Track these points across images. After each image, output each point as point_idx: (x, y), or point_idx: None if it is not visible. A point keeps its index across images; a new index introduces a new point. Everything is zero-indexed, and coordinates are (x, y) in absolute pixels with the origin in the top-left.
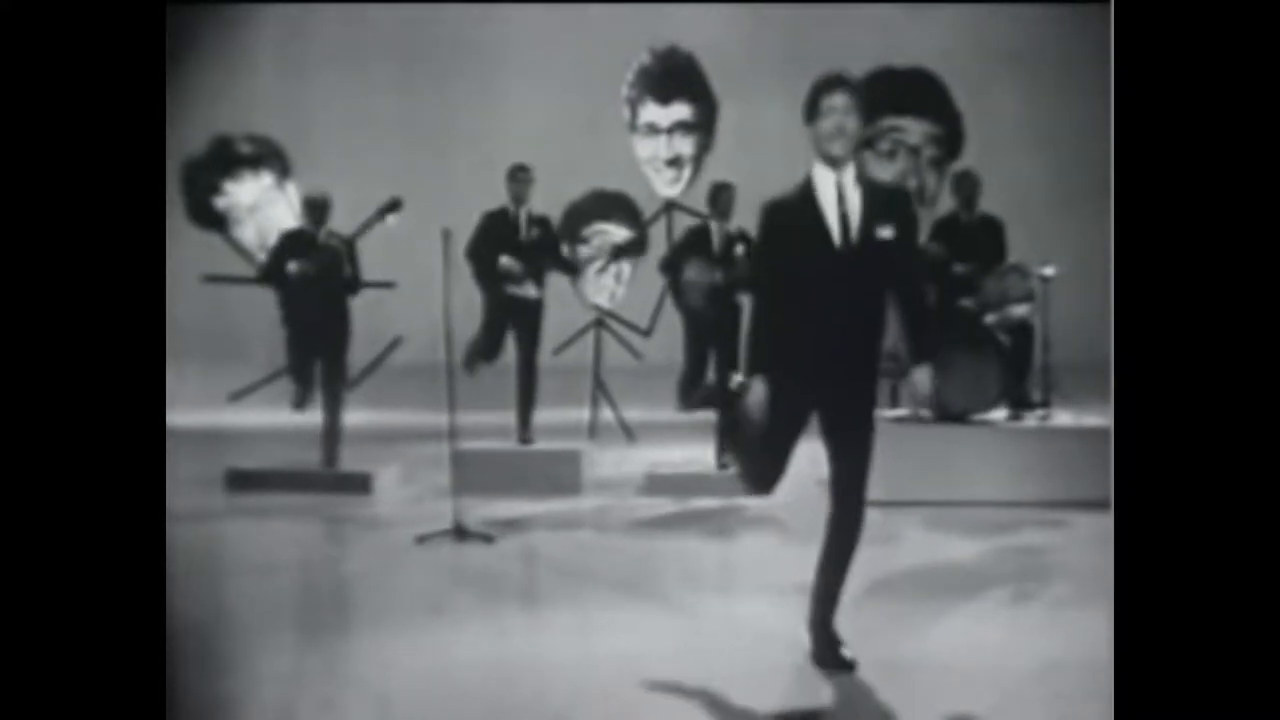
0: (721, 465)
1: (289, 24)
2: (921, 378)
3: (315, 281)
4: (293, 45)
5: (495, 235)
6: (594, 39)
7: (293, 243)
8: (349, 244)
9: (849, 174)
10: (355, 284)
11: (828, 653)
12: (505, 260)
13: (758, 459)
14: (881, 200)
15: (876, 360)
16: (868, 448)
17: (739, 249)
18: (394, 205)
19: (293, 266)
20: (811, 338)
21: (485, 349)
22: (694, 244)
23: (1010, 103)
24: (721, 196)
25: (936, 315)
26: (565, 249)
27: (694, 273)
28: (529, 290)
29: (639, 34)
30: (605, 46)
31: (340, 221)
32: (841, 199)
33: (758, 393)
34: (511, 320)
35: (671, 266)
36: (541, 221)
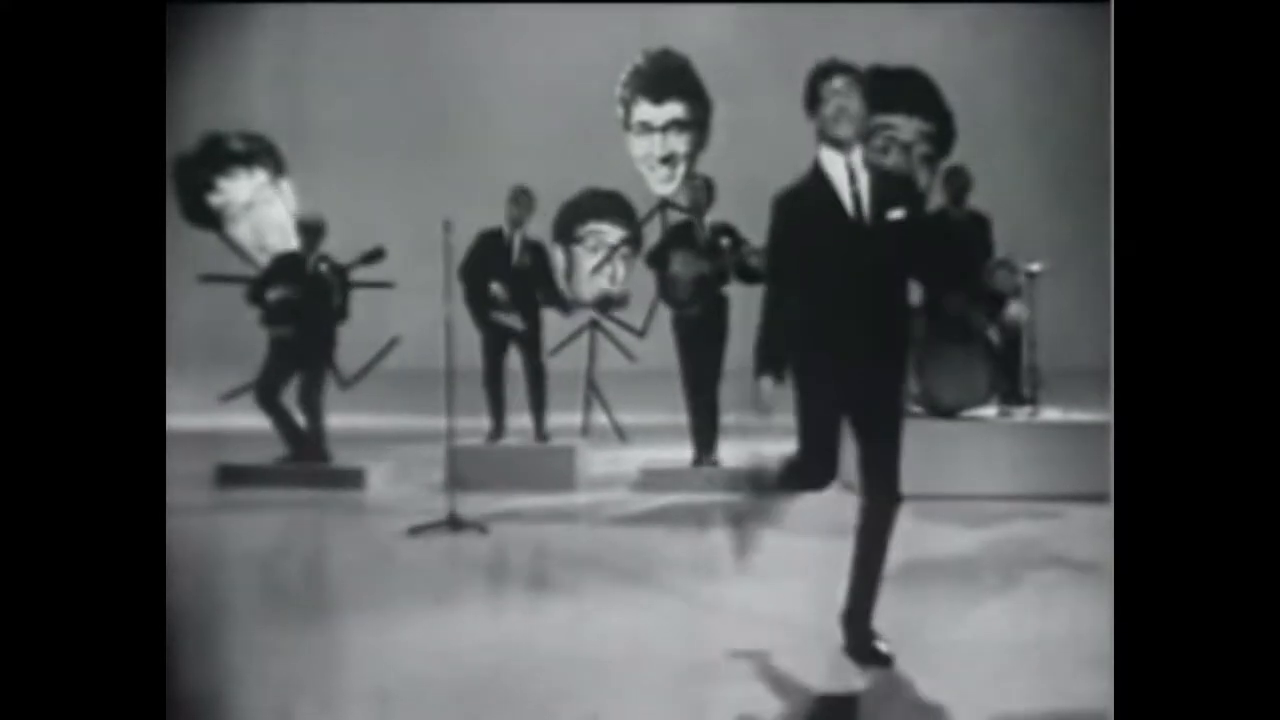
0: (709, 464)
1: (287, 25)
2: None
3: (299, 309)
4: (290, 46)
5: (487, 258)
6: (589, 40)
7: (283, 268)
8: (340, 272)
9: (856, 156)
10: (343, 312)
11: (863, 647)
12: (494, 286)
13: (802, 461)
14: (890, 184)
15: (902, 345)
16: (897, 435)
17: (725, 241)
18: (376, 254)
19: (273, 294)
20: (836, 324)
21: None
22: (680, 238)
23: (1003, 101)
24: (696, 190)
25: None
26: (560, 249)
27: (680, 266)
28: (514, 322)
29: (634, 34)
30: (601, 48)
31: (336, 226)
32: (853, 180)
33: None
34: (510, 339)
35: (658, 260)
36: (535, 248)
